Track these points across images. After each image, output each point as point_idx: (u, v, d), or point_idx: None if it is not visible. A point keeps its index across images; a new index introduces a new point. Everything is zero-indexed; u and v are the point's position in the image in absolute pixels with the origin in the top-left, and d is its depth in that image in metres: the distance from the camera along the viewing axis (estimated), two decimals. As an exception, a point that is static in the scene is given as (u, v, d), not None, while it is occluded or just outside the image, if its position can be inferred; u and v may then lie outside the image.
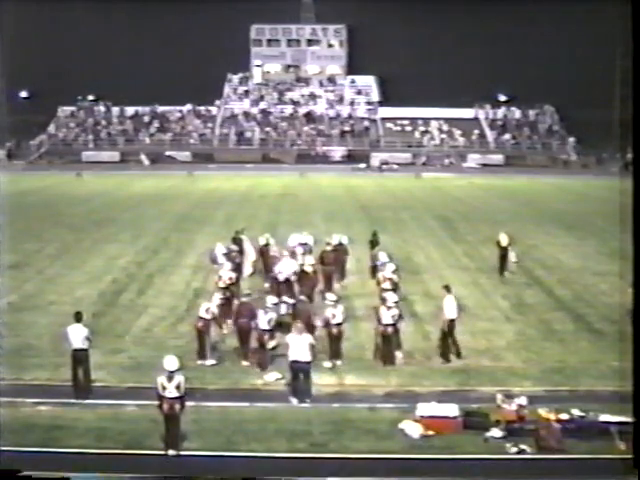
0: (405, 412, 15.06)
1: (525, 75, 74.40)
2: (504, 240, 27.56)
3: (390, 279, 21.82)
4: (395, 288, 21.56)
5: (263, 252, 25.82)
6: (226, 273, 22.12)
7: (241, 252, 26.01)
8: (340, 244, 26.29)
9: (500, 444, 14.10)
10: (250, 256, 26.33)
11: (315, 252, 25.20)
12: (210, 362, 18.00)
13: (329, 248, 25.36)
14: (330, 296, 19.56)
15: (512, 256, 27.42)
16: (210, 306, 18.53)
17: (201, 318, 18.39)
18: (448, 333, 18.59)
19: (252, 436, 14.32)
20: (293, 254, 24.54)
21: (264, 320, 18.01)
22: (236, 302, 20.11)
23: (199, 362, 17.93)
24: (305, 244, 25.85)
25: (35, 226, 36.25)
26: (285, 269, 22.49)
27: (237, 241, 26.71)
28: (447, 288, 19.08)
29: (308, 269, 22.62)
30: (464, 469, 13.37)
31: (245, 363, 18.10)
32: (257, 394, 16.44)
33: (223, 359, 18.29)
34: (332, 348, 18.24)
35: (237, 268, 23.97)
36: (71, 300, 23.15)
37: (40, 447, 13.70)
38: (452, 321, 18.66)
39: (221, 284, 21.42)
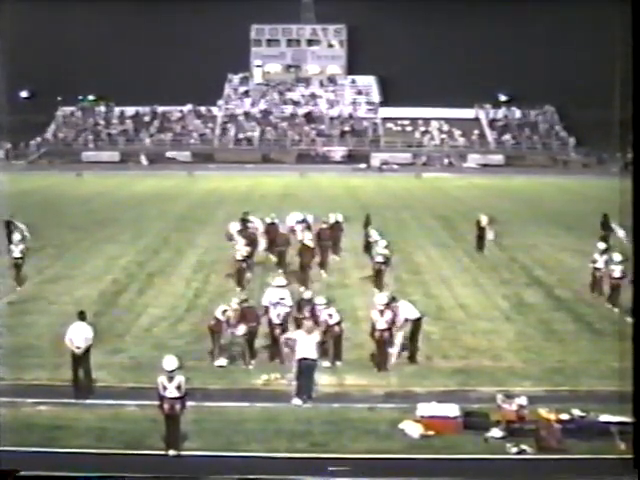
0: (405, 412, 15.05)
1: (525, 75, 74.40)
2: (484, 220, 30.55)
3: (383, 254, 24.13)
4: (387, 262, 24.41)
5: (270, 230, 27.93)
6: (242, 247, 24.93)
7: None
8: (336, 222, 29.03)
9: (500, 444, 14.10)
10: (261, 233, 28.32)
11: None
12: (222, 362, 17.88)
13: (325, 226, 27.87)
14: (320, 300, 18.97)
15: (490, 235, 30.40)
16: (227, 308, 18.24)
17: (215, 319, 18.18)
18: (414, 334, 18.40)
19: (252, 436, 14.31)
20: (293, 231, 27.76)
21: (274, 314, 18.09)
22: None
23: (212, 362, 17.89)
24: (303, 221, 28.42)
25: (35, 226, 36.14)
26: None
27: (244, 222, 28.52)
28: (394, 298, 18.72)
29: (309, 243, 25.23)
30: (464, 469, 13.37)
31: (249, 367, 17.92)
32: (257, 394, 16.41)
33: (235, 359, 18.14)
34: (332, 348, 18.18)
35: (251, 243, 26.25)
36: (71, 300, 23.14)
37: (40, 447, 13.69)
38: (418, 320, 18.48)
39: (238, 256, 24.51)
